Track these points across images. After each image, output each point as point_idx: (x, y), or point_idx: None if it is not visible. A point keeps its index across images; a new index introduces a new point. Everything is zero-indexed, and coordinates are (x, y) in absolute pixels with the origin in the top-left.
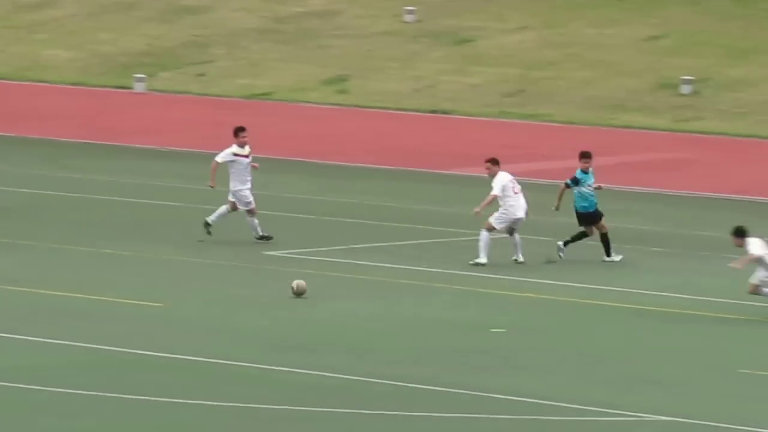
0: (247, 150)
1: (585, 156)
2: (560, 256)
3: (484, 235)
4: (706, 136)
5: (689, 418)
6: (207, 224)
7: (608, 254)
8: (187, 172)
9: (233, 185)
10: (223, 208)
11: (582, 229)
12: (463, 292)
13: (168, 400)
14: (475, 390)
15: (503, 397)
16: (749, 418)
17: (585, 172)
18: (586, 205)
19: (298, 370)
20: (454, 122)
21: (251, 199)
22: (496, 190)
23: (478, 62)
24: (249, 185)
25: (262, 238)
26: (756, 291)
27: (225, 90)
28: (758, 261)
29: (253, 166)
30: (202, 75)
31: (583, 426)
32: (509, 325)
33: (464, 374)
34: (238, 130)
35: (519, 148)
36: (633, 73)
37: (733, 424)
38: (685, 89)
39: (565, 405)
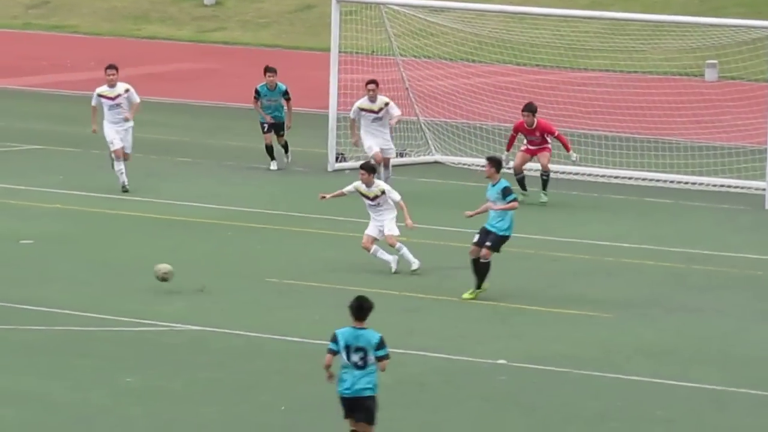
0: (115, 91)
1: (269, 70)
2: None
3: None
4: (229, 46)
5: (219, 328)
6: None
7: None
8: None
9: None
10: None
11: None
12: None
13: None
14: (7, 302)
15: (35, 308)
16: (277, 327)
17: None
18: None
19: None
20: None
21: (111, 138)
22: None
23: None
24: (117, 126)
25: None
26: None
27: None
28: None
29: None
30: None
31: (116, 336)
32: (37, 237)
33: None
34: (106, 68)
35: (44, 59)
36: None
37: (262, 333)
38: (208, 0)
39: (96, 315)
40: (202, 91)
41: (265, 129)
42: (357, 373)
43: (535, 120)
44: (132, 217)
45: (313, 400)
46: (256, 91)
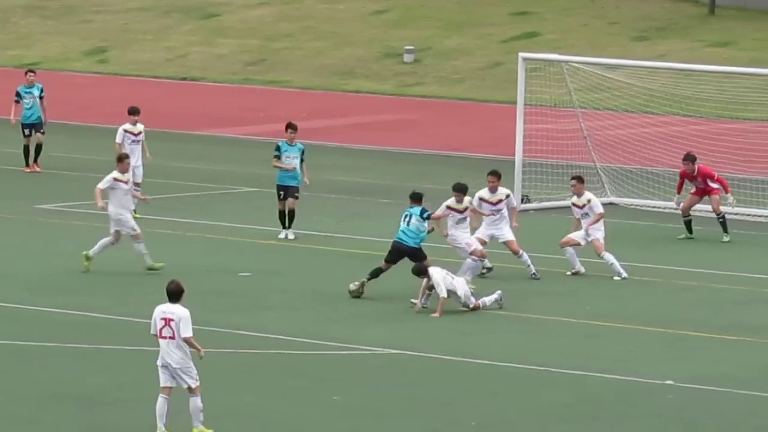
0: (126, 176)
1: (290, 127)
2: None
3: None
4: (426, 99)
5: (416, 351)
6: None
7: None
8: None
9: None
10: (106, 240)
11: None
12: (214, 240)
13: None
14: (227, 328)
15: (252, 333)
16: (469, 350)
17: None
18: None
19: (67, 311)
20: (203, 88)
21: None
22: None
23: (223, 35)
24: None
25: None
26: None
27: None
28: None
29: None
30: None
31: (325, 359)
32: (254, 269)
33: (217, 314)
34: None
35: (261, 111)
36: (361, 43)
37: (454, 356)
38: (408, 58)
39: (307, 340)
40: (402, 140)
41: (281, 195)
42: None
43: (696, 167)
44: (336, 252)
45: (502, 417)
46: (277, 147)
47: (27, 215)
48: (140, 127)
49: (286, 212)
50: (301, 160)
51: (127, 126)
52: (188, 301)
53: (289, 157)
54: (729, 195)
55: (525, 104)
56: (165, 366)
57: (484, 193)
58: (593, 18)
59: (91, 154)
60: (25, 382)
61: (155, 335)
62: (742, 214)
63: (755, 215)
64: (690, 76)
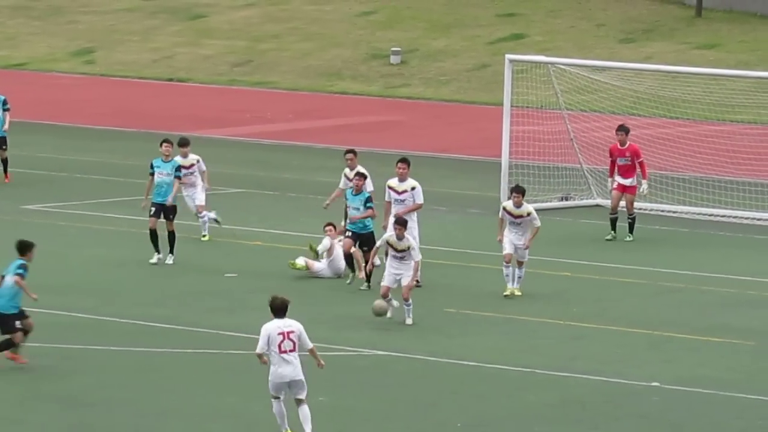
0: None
1: (165, 141)
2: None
3: None
4: (413, 101)
5: (402, 352)
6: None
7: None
8: None
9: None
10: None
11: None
12: (200, 241)
13: None
14: (211, 328)
15: (235, 334)
16: (454, 351)
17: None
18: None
19: (51, 311)
20: (189, 89)
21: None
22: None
23: (210, 36)
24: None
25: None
26: None
27: None
28: None
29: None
30: None
31: (311, 359)
32: (240, 270)
33: (201, 314)
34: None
35: (247, 112)
36: (348, 44)
37: (440, 357)
38: (394, 59)
39: None
40: (388, 141)
41: (152, 212)
42: None
43: (628, 141)
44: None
45: (488, 418)
46: (151, 165)
47: (12, 215)
48: (192, 158)
49: (158, 233)
50: (176, 177)
51: (178, 159)
52: (175, 300)
53: (162, 174)
54: (645, 181)
55: (511, 106)
56: (281, 384)
57: (392, 181)
58: (580, 20)
59: (76, 155)
60: (10, 382)
61: (260, 355)
62: (729, 216)
63: (741, 217)
64: (677, 78)
